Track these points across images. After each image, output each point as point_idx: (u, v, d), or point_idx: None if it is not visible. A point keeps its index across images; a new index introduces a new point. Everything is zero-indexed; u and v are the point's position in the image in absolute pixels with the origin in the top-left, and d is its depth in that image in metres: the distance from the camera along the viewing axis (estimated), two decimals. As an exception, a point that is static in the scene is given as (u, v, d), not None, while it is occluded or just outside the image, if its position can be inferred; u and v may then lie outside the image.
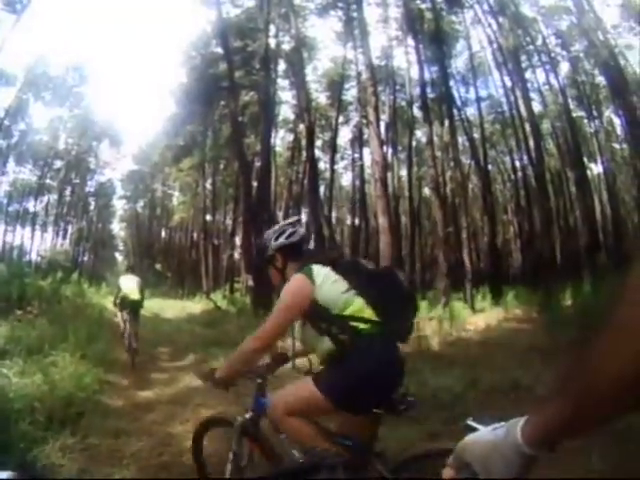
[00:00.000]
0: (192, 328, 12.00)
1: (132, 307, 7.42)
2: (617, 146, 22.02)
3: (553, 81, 19.43)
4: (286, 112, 25.77)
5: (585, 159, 19.10)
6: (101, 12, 33.22)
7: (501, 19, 18.12)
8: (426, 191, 25.46)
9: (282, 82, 23.03)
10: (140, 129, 57.66)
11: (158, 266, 30.69)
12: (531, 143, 17.13)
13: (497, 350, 7.05)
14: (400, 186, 24.19)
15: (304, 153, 22.09)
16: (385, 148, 16.91)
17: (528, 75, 18.95)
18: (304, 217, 25.74)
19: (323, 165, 24.81)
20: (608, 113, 21.16)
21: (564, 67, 20.30)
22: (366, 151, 22.92)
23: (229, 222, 29.29)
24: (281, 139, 27.61)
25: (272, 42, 19.72)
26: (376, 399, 1.99)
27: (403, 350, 6.35)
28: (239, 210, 23.71)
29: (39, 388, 4.01)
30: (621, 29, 18.26)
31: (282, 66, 22.21)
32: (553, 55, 19.44)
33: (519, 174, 20.45)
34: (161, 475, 3.17)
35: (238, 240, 25.80)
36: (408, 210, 23.60)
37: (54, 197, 27.91)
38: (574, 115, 19.35)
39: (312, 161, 17.39)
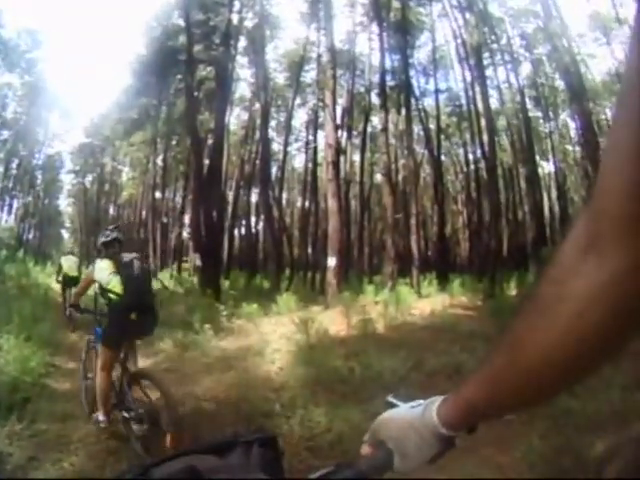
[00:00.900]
0: (139, 308, 11.78)
1: (72, 284, 8.11)
2: (570, 148, 22.99)
3: (513, 80, 20.01)
4: (243, 90, 25.26)
5: (537, 157, 19.90)
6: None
7: (468, 15, 18.40)
8: (378, 177, 25.71)
9: (241, 59, 22.55)
10: (93, 100, 54.68)
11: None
12: (485, 137, 17.65)
13: (441, 335, 7.27)
14: (352, 171, 24.30)
15: (258, 133, 21.85)
16: (340, 132, 16.92)
17: (489, 72, 19.40)
18: (254, 198, 25.65)
19: (276, 146, 24.58)
20: (564, 116, 22.01)
21: (525, 68, 20.88)
22: (320, 134, 22.85)
23: (179, 200, 28.65)
24: (236, 117, 27.07)
25: (235, 18, 19.27)
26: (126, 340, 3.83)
27: (350, 333, 6.62)
28: (189, 188, 23.27)
29: (-17, 372, 3.93)
30: (587, 38, 18.92)
31: (243, 43, 21.73)
32: (516, 55, 19.98)
33: (471, 167, 21.03)
34: (109, 460, 3.20)
35: (187, 219, 25.35)
36: (359, 195, 23.85)
37: None
38: (530, 115, 20.06)
39: (265, 141, 17.28)
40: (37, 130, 26.77)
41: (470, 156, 21.60)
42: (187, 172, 24.03)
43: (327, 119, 14.77)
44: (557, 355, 0.49)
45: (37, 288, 10.91)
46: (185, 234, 26.75)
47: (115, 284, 3.67)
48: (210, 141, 19.32)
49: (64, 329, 7.43)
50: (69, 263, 8.60)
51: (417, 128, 20.84)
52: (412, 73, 20.49)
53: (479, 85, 17.93)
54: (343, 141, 19.69)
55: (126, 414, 3.53)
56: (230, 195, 23.56)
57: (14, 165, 26.92)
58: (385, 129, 17.07)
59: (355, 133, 23.72)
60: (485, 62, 18.85)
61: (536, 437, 3.21)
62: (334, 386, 4.92)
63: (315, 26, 20.94)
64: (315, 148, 23.57)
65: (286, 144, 22.95)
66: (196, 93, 18.92)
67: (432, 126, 21.32)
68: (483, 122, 17.94)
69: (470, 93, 19.04)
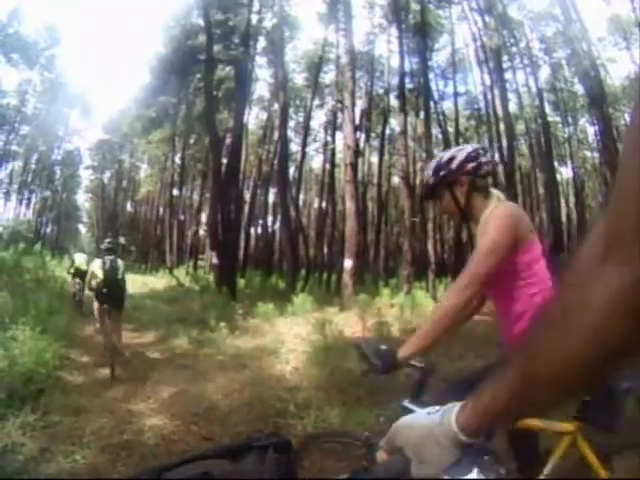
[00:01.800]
0: (154, 304, 11.88)
1: (82, 275, 8.89)
2: (588, 154, 22.69)
3: (532, 84, 19.84)
4: (262, 90, 25.58)
5: (556, 163, 19.68)
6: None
7: (487, 18, 18.28)
8: (395, 180, 25.71)
9: (260, 59, 22.71)
10: (112, 97, 55.69)
11: (122, 239, 30.08)
12: (504, 142, 17.47)
13: (456, 340, 7.19)
14: (370, 173, 24.33)
15: (276, 133, 21.93)
16: (358, 134, 16.90)
17: (508, 76, 19.32)
18: (271, 198, 25.72)
19: (294, 147, 24.66)
20: (583, 121, 21.75)
21: (545, 72, 20.71)
22: (339, 135, 22.87)
23: (196, 198, 28.92)
24: (255, 117, 27.28)
25: (254, 18, 19.35)
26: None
27: (365, 335, 6.53)
28: (207, 186, 23.42)
29: (-1, 363, 3.94)
30: (606, 42, 18.70)
31: (262, 43, 21.85)
32: (535, 59, 19.79)
33: (489, 171, 20.83)
34: (122, 454, 3.17)
35: (204, 217, 25.55)
36: (376, 197, 23.79)
37: (19, 164, 26.79)
38: (549, 119, 19.82)
39: (284, 141, 17.27)
40: (57, 126, 27.18)
41: (488, 160, 21.35)
42: (205, 171, 24.21)
43: (346, 120, 14.72)
44: (578, 361, 0.48)
45: (54, 281, 11.05)
46: (202, 232, 26.99)
47: (99, 273, 6.15)
48: (228, 140, 19.42)
49: (79, 322, 7.48)
50: (80, 259, 9.90)
51: (435, 131, 20.74)
52: (431, 76, 20.41)
53: (498, 89, 17.76)
54: (361, 143, 19.68)
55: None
56: (247, 194, 23.63)
57: (33, 160, 27.36)
58: (404, 132, 16.96)
59: (373, 135, 23.70)
60: (504, 65, 18.68)
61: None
62: (348, 388, 4.86)
63: (334, 27, 20.94)
64: (333, 149, 23.56)
65: (304, 145, 22.95)
66: (215, 92, 19.00)
67: (450, 129, 21.22)
68: (502, 126, 17.74)
69: (489, 96, 18.91)
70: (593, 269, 0.46)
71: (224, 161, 16.41)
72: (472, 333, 7.65)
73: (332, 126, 24.65)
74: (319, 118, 27.05)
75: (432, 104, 19.44)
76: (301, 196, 26.09)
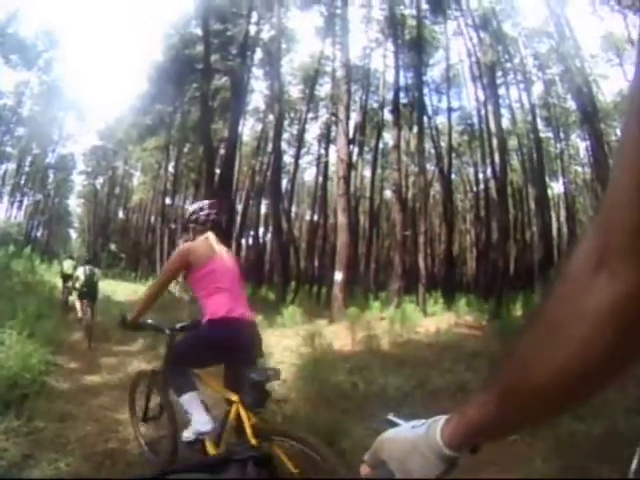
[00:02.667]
0: (144, 313, 11.76)
1: (68, 279, 9.98)
2: (580, 169, 22.95)
3: (525, 100, 20.08)
4: (257, 101, 25.56)
5: (547, 178, 19.89)
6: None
7: (482, 34, 18.54)
8: (387, 194, 25.83)
9: (257, 71, 22.83)
10: (108, 104, 55.62)
11: (113, 246, 29.89)
12: (496, 157, 17.63)
13: (446, 353, 7.19)
14: (362, 186, 24.42)
15: (270, 144, 21.99)
16: (351, 147, 16.98)
17: (501, 91, 19.54)
18: (264, 209, 25.71)
19: (288, 159, 24.70)
20: (574, 137, 22.03)
21: (538, 88, 20.98)
22: (332, 149, 22.98)
23: (188, 207, 28.80)
24: (249, 128, 27.34)
25: (252, 29, 19.53)
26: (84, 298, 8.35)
27: (354, 348, 6.53)
28: (199, 196, 23.32)
29: (-16, 367, 3.90)
30: (599, 59, 18.99)
31: (259, 55, 22.01)
32: (528, 75, 20.07)
33: (481, 186, 21.04)
34: (106, 463, 3.14)
35: (196, 226, 25.38)
36: (368, 211, 23.86)
37: (12, 166, 26.60)
38: (541, 135, 20.06)
39: (278, 153, 17.32)
40: (52, 129, 27.07)
41: (480, 175, 21.59)
42: (198, 180, 24.16)
43: (340, 134, 14.83)
44: (568, 374, 0.47)
45: (42, 286, 10.95)
46: (193, 241, 26.81)
47: (82, 277, 8.15)
48: (222, 151, 19.46)
49: (67, 328, 7.41)
50: (67, 265, 10.71)
51: (428, 146, 20.89)
52: (425, 91, 20.61)
53: (491, 104, 17.97)
54: (354, 156, 19.79)
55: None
56: (240, 205, 23.61)
57: (27, 162, 27.19)
58: (397, 146, 17.11)
59: (367, 149, 23.82)
60: (498, 81, 18.94)
61: (539, 459, 3.14)
62: (337, 401, 4.84)
63: (330, 41, 21.14)
64: (326, 162, 23.67)
65: (297, 157, 23.04)
66: (211, 102, 19.08)
67: (443, 144, 21.37)
68: (494, 141, 17.91)
69: (482, 112, 19.10)
70: (584, 279, 0.45)
71: (217, 171, 16.45)
72: (461, 347, 7.67)
73: (326, 139, 24.78)
74: (313, 131, 27.20)
75: (426, 119, 19.62)
76: (293, 208, 26.11)
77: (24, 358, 4.42)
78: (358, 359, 6.66)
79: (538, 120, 20.16)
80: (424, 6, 19.19)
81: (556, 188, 23.67)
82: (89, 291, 8.25)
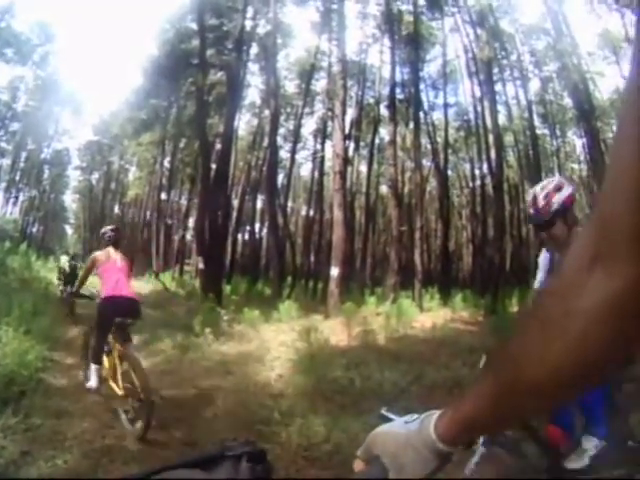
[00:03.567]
0: (139, 308, 11.77)
1: (63, 274, 10.22)
2: (576, 166, 22.99)
3: (522, 97, 20.03)
4: (253, 96, 25.45)
5: (543, 174, 19.89)
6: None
7: (479, 30, 18.49)
8: (384, 189, 25.76)
9: (252, 66, 22.70)
10: (103, 98, 55.21)
11: (108, 242, 29.70)
12: (492, 153, 17.65)
13: (442, 349, 7.24)
14: (358, 182, 24.39)
15: (266, 139, 21.88)
16: (347, 142, 16.91)
17: (498, 88, 19.45)
18: (260, 204, 25.69)
19: (284, 154, 24.60)
20: (571, 134, 22.04)
21: (534, 85, 20.93)
22: (328, 144, 22.91)
23: (184, 202, 28.67)
24: (245, 123, 27.21)
25: (248, 24, 19.38)
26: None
27: (351, 343, 6.57)
28: (195, 191, 23.28)
29: (-20, 364, 3.89)
30: (596, 56, 18.96)
31: (255, 49, 21.87)
32: (525, 72, 20.03)
33: (477, 182, 21.04)
34: (103, 460, 3.15)
35: (192, 222, 25.36)
36: (364, 206, 23.85)
37: (7, 162, 26.38)
38: (538, 132, 20.05)
39: (273, 148, 17.26)
40: (47, 125, 26.87)
41: (477, 171, 21.60)
42: (194, 175, 24.03)
43: (336, 129, 14.80)
44: (561, 371, 0.48)
45: (38, 282, 10.94)
46: (189, 237, 26.80)
47: (67, 268, 9.28)
48: (218, 145, 19.37)
49: (64, 324, 7.40)
50: (63, 260, 10.93)
51: (424, 141, 20.84)
52: (422, 86, 20.52)
53: (488, 100, 17.96)
54: (350, 152, 19.74)
55: None
56: (235, 200, 23.55)
57: (22, 158, 27.01)
58: (393, 141, 17.08)
59: (363, 144, 23.77)
60: (494, 77, 18.90)
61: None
62: (333, 396, 4.87)
63: (326, 36, 21.05)
64: (322, 157, 23.61)
65: (294, 152, 22.96)
66: (206, 97, 18.98)
67: (439, 140, 21.35)
68: (491, 138, 17.92)
69: (479, 108, 19.09)
70: (579, 277, 0.45)
71: (213, 166, 16.37)
72: (458, 342, 7.72)
73: (322, 134, 24.68)
74: (309, 126, 27.03)
75: (422, 114, 19.59)
76: (289, 203, 26.07)
77: (21, 355, 4.42)
78: (354, 354, 6.69)
79: (535, 117, 20.18)
80: (421, 2, 19.10)
81: (552, 185, 23.67)
82: (72, 279, 8.45)
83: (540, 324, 0.50)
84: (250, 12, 19.26)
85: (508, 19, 19.65)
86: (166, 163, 26.28)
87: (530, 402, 0.53)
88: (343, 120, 14.78)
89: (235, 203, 23.76)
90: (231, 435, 3.65)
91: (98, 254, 4.76)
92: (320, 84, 23.77)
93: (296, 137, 23.24)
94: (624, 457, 2.39)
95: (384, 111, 20.98)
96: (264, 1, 18.33)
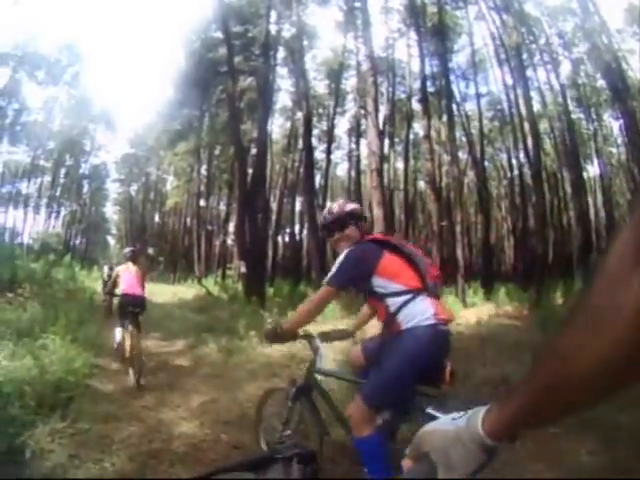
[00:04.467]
0: (183, 314, 11.95)
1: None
2: (614, 150, 22.08)
3: (554, 81, 19.40)
4: (284, 99, 25.74)
5: (582, 160, 19.18)
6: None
7: (505, 16, 18.01)
8: (421, 185, 25.51)
9: (281, 69, 22.89)
10: (137, 112, 56.98)
11: (151, 250, 30.57)
12: (529, 142, 17.11)
13: (488, 345, 7.02)
14: (396, 178, 24.20)
15: (300, 141, 21.99)
16: (382, 139, 16.78)
17: (529, 74, 18.89)
18: (298, 206, 25.81)
19: (319, 154, 24.70)
20: (607, 116, 21.20)
21: (566, 68, 20.26)
22: (363, 142, 22.84)
23: (223, 208, 29.20)
24: (278, 126, 27.48)
25: (273, 29, 19.53)
26: None
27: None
28: (233, 196, 23.60)
29: (29, 372, 3.96)
30: (625, 34, 18.21)
31: (281, 53, 22.05)
32: (555, 55, 19.39)
33: (515, 172, 20.49)
34: (150, 463, 3.14)
35: (231, 226, 25.73)
36: (403, 203, 23.62)
37: (47, 179, 27.59)
38: (573, 116, 19.35)
39: (308, 149, 17.27)
40: (83, 141, 27.91)
41: (514, 161, 21.04)
42: (231, 181, 24.39)
43: (369, 126, 14.63)
44: (608, 367, 0.48)
45: (83, 292, 11.25)
46: (229, 241, 27.21)
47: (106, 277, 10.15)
48: (253, 150, 19.58)
49: (109, 332, 7.57)
50: (105, 271, 11.86)
51: (459, 134, 20.48)
52: (452, 78, 20.22)
53: (520, 88, 17.42)
54: (386, 148, 19.58)
55: None
56: (274, 203, 23.76)
57: (61, 174, 28.11)
58: (427, 136, 16.81)
59: (397, 140, 23.57)
60: (525, 63, 18.32)
61: (585, 453, 3.08)
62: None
63: (352, 34, 20.97)
64: (358, 156, 23.55)
65: (329, 152, 22.99)
66: (238, 103, 19.16)
67: (474, 131, 20.92)
68: (526, 126, 17.37)
69: (511, 96, 18.59)
70: (623, 274, 0.46)
71: (249, 171, 16.51)
72: (503, 337, 7.47)
73: (356, 133, 24.67)
74: (342, 125, 27.26)
75: (455, 106, 19.23)
76: (327, 203, 26.09)
77: (68, 362, 4.50)
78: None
79: (569, 101, 19.47)
80: (443, -9, 18.84)
81: (591, 171, 22.89)
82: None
83: (588, 319, 0.50)
84: (274, 16, 19.40)
85: (533, 2, 19.11)
86: (203, 170, 26.83)
87: (579, 397, 0.54)
88: (376, 117, 14.60)
89: (274, 206, 23.97)
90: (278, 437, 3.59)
91: (120, 268, 6.26)
92: (350, 83, 23.77)
93: (330, 137, 23.28)
94: None
95: (416, 105, 20.76)
96: (286, 4, 18.37)
